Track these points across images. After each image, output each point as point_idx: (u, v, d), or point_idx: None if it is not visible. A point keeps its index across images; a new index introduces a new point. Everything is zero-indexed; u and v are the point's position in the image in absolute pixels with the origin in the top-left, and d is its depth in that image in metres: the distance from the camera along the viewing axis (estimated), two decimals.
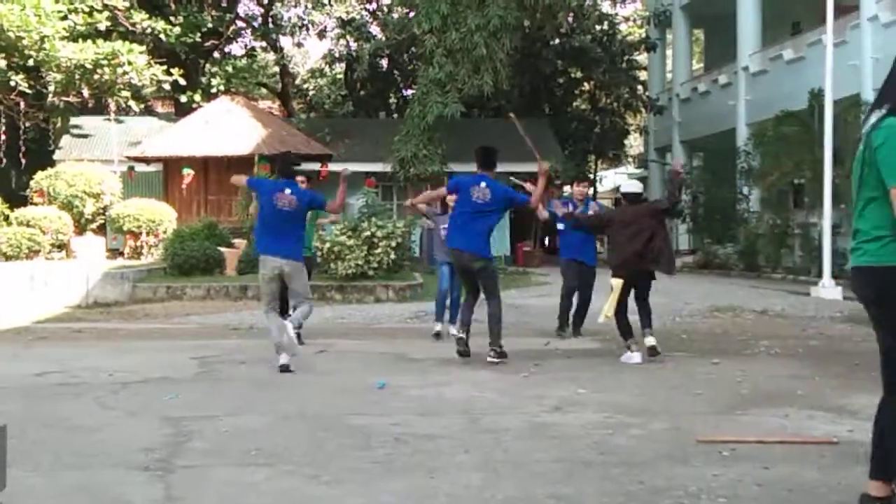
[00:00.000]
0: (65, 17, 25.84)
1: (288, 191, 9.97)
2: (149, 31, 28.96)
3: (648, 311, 10.81)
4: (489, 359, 10.16)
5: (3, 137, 28.08)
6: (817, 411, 7.41)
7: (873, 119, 4.59)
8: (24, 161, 29.13)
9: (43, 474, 5.65)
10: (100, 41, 26.14)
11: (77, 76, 26.47)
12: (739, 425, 6.99)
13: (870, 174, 4.50)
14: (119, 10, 28.24)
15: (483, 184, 10.44)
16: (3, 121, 28.30)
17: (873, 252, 4.51)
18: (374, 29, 36.97)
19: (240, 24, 38.43)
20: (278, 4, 39.41)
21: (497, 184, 10.62)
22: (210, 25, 33.38)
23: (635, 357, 10.43)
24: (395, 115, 37.29)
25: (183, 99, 31.83)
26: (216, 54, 37.47)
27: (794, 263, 23.23)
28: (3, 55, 25.28)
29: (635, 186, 11.48)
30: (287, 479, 5.55)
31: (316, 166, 26.89)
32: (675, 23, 35.06)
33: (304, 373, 9.68)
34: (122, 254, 24.25)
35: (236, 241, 21.71)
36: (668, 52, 38.73)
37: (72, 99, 28.38)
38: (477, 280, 10.61)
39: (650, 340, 10.48)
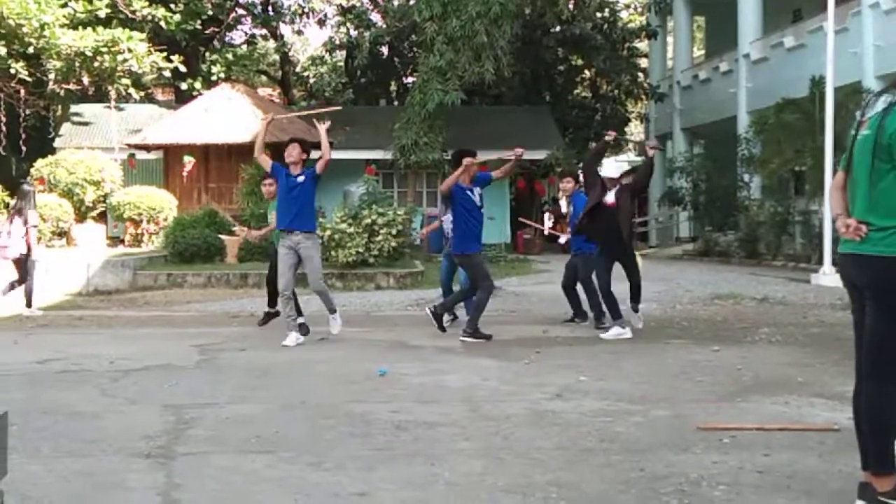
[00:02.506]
0: (65, 5, 25.77)
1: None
2: (149, 18, 28.81)
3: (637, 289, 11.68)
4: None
5: (4, 125, 28.05)
6: (818, 398, 7.42)
7: (880, 105, 4.55)
8: (24, 149, 29.07)
9: (44, 461, 5.66)
10: (100, 28, 26.04)
11: (77, 64, 26.38)
12: (740, 412, 6.99)
13: (883, 161, 4.44)
14: None
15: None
16: (3, 108, 28.23)
17: (877, 241, 4.46)
18: (375, 16, 36.89)
19: (240, 11, 38.28)
20: None
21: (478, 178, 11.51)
22: (210, 13, 33.27)
23: (627, 333, 11.03)
24: (396, 103, 37.25)
25: (183, 86, 31.77)
26: (216, 42, 37.39)
27: (795, 251, 23.22)
28: (3, 43, 25.21)
29: (611, 171, 11.64)
30: (287, 467, 5.55)
31: (316, 154, 26.86)
32: (676, 10, 35.02)
33: (304, 360, 9.70)
34: (122, 241, 24.24)
35: (237, 228, 21.70)
36: (669, 40, 38.67)
37: (72, 86, 28.28)
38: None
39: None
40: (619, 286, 11.47)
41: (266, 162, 11.18)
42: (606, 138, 12.14)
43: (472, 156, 11.45)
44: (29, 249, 14.25)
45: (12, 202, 14.75)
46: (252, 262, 19.04)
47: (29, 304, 14.28)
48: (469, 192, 11.26)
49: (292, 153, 10.90)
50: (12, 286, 14.38)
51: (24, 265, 14.28)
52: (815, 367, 9.01)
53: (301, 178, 10.80)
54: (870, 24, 22.44)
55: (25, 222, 14.17)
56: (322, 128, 11.24)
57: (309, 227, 10.91)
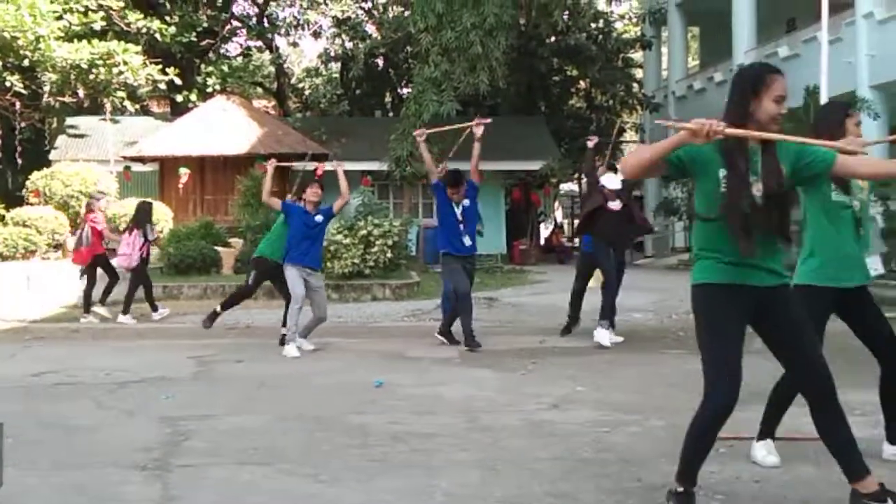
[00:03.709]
0: (60, 17, 25.77)
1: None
2: (144, 30, 28.85)
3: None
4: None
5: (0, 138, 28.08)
6: None
7: None
8: (20, 161, 29.09)
9: (40, 474, 5.65)
10: (95, 41, 26.05)
11: (73, 76, 26.40)
12: (736, 422, 6.93)
13: None
14: (114, 10, 28.11)
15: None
16: None
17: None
18: (370, 28, 36.96)
19: (235, 23, 38.34)
20: (273, 4, 39.35)
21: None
22: (205, 25, 33.32)
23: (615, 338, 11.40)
24: (391, 114, 37.25)
25: (179, 98, 31.75)
26: (212, 54, 37.43)
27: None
28: None
29: (616, 183, 11.66)
30: (285, 478, 5.55)
31: (312, 166, 26.84)
32: (671, 20, 35.04)
33: (301, 372, 9.70)
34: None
35: (233, 240, 21.68)
36: (664, 50, 38.70)
37: (67, 99, 28.31)
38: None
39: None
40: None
41: (276, 203, 11.62)
42: (588, 144, 12.24)
43: (461, 180, 11.76)
44: (144, 260, 15.54)
45: (133, 216, 15.99)
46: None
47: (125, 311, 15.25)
48: (453, 206, 11.62)
49: (317, 193, 11.33)
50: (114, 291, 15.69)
51: (140, 274, 15.47)
52: None
53: (319, 219, 11.31)
54: (864, 34, 22.47)
55: (143, 235, 15.32)
56: (340, 169, 11.90)
57: (319, 265, 11.59)
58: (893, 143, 6.93)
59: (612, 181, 11.61)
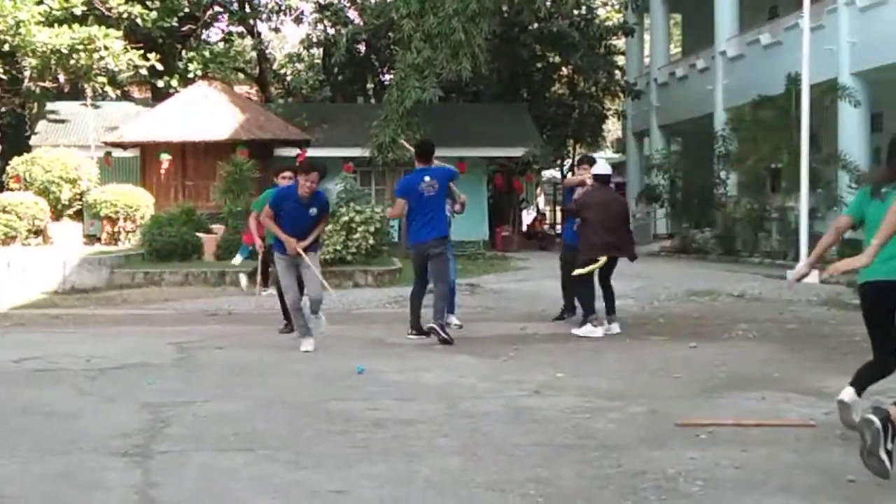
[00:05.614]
0: (40, 2, 25.62)
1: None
2: (125, 15, 28.63)
3: (612, 294, 11.43)
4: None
5: None
6: (794, 394, 7.46)
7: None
8: None
9: (20, 461, 5.63)
10: (76, 26, 25.92)
11: (53, 61, 26.25)
12: (717, 408, 7.03)
13: None
14: None
15: (427, 177, 10.80)
16: None
17: None
18: (352, 13, 36.81)
19: (216, 8, 38.12)
20: None
21: (437, 169, 11.07)
22: (187, 10, 33.11)
23: (598, 332, 10.93)
24: (373, 101, 37.17)
25: (160, 84, 31.56)
26: (193, 39, 37.22)
27: (772, 247, 23.30)
28: None
29: (606, 169, 11.75)
30: (265, 464, 5.55)
31: (294, 152, 26.78)
32: (653, 7, 35.05)
33: (282, 358, 9.69)
34: (99, 240, 24.12)
35: (214, 226, 21.62)
36: (646, 37, 38.72)
37: (48, 84, 28.17)
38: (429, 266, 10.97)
39: (615, 328, 11.18)
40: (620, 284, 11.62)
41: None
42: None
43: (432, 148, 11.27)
44: None
45: None
46: (229, 259, 18.96)
47: None
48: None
49: (315, 181, 10.07)
50: None
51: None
52: (792, 363, 9.06)
53: (313, 212, 10.22)
54: (845, 22, 22.52)
55: None
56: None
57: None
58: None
59: (604, 167, 11.73)
